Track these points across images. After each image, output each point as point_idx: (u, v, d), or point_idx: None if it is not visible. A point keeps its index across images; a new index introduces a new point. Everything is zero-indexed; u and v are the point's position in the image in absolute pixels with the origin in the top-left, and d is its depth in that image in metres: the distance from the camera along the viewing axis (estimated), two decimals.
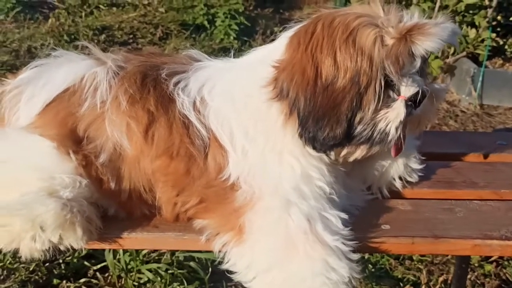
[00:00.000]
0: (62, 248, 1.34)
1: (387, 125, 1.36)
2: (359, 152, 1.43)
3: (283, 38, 1.46)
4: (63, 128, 1.44)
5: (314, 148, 1.38)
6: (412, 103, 1.38)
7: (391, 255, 2.71)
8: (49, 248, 1.32)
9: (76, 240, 1.33)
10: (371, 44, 1.31)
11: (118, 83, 1.47)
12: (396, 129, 1.36)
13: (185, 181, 1.42)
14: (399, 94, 1.36)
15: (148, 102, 1.44)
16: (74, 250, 1.36)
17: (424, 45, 1.31)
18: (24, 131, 1.45)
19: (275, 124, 1.40)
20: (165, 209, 1.46)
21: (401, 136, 1.39)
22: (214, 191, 1.40)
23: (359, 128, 1.36)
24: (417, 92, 1.36)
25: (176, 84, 1.47)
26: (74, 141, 1.44)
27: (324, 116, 1.33)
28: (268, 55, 1.45)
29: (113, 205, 1.48)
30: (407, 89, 1.36)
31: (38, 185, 1.37)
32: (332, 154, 1.43)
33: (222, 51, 1.55)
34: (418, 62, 1.36)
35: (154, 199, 1.46)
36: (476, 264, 2.72)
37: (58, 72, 1.54)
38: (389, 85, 1.35)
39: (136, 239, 1.44)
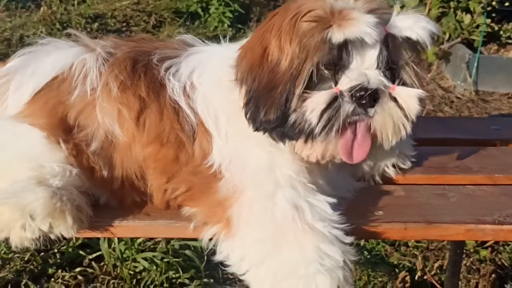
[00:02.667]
0: (52, 236, 1.33)
1: (310, 113, 1.27)
2: (317, 150, 1.33)
3: None
4: (53, 117, 1.43)
5: (256, 129, 1.34)
6: (361, 100, 1.26)
7: (386, 242, 2.72)
8: (40, 236, 1.31)
9: (66, 228, 1.33)
10: (306, 30, 1.26)
11: (108, 69, 1.46)
12: (319, 119, 1.26)
13: (174, 167, 1.41)
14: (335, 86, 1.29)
15: (139, 88, 1.43)
16: (66, 239, 1.35)
17: (342, 31, 1.21)
18: (13, 120, 1.44)
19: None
20: (156, 196, 1.45)
21: (323, 130, 1.27)
22: (199, 178, 1.39)
23: (293, 117, 1.29)
24: (362, 88, 1.25)
25: (167, 69, 1.45)
26: (64, 130, 1.43)
27: (263, 97, 1.31)
28: None
29: (104, 193, 1.47)
30: (346, 82, 1.27)
31: (27, 174, 1.36)
32: (287, 146, 1.36)
33: (216, 39, 1.54)
34: (361, 53, 1.27)
35: (146, 187, 1.46)
36: (472, 250, 2.73)
37: (47, 60, 1.52)
38: (326, 77, 1.29)
39: (127, 227, 1.43)
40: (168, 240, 2.58)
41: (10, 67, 1.56)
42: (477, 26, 4.41)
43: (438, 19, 4.49)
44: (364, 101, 1.26)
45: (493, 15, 4.66)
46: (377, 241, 2.70)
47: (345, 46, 1.26)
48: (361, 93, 1.26)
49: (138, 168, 1.43)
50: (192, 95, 1.42)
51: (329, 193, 1.42)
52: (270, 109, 1.30)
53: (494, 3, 4.51)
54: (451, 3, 4.40)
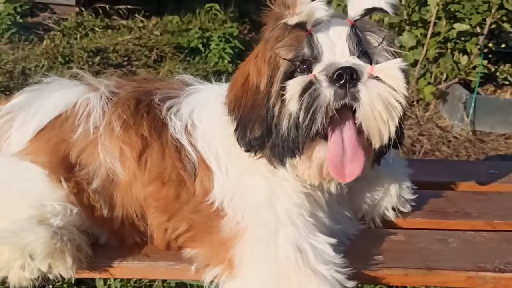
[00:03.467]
0: (51, 277, 1.32)
1: (288, 103, 1.25)
2: (314, 163, 1.32)
3: None
4: (55, 155, 1.43)
5: (247, 150, 1.36)
6: (340, 80, 1.23)
7: (386, 285, 2.69)
8: (38, 276, 1.30)
9: (65, 269, 1.32)
10: (270, 37, 1.31)
11: (111, 109, 1.47)
12: (299, 104, 1.23)
13: (175, 206, 1.42)
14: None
15: (142, 127, 1.44)
16: (63, 279, 1.34)
17: (295, 14, 1.24)
18: (15, 157, 1.44)
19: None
20: (156, 235, 1.45)
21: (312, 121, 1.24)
22: (200, 216, 1.39)
23: (279, 121, 1.29)
24: (337, 68, 1.23)
25: (168, 109, 1.48)
26: (66, 168, 1.43)
27: (247, 118, 1.35)
28: None
29: (105, 232, 1.47)
30: (319, 68, 1.26)
31: (28, 213, 1.36)
32: (287, 167, 1.35)
33: (216, 74, 1.56)
34: (322, 40, 1.29)
35: (146, 226, 1.45)
36: None
37: (50, 98, 1.53)
38: (295, 71, 1.30)
39: (127, 268, 1.42)
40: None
41: (14, 104, 1.57)
42: (474, 67, 4.46)
43: (435, 60, 4.55)
44: (342, 80, 1.23)
45: (490, 56, 4.72)
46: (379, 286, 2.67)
47: (312, 41, 1.28)
48: (337, 72, 1.23)
49: (138, 207, 1.43)
50: (193, 133, 1.44)
51: (330, 227, 1.43)
52: (254, 126, 1.33)
53: (490, 44, 4.58)
54: (449, 44, 4.46)
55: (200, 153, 1.43)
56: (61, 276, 1.32)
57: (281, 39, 1.30)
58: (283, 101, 1.27)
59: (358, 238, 1.53)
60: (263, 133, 1.32)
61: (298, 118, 1.25)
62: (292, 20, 1.25)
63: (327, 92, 1.24)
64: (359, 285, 1.30)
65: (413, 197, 1.65)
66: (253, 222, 1.35)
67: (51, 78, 1.63)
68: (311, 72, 1.27)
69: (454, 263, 1.44)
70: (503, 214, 1.70)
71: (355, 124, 1.28)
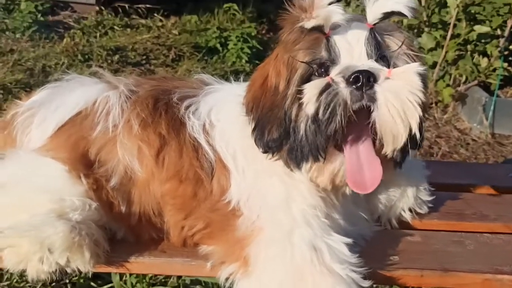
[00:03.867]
0: (69, 270, 1.34)
1: (306, 105, 1.25)
2: (329, 172, 1.33)
3: None
4: (75, 152, 1.45)
5: (265, 152, 1.37)
6: (357, 82, 1.23)
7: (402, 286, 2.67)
8: (56, 270, 1.32)
9: (83, 263, 1.33)
10: (291, 43, 1.32)
11: (130, 107, 1.49)
12: (316, 106, 1.24)
13: (192, 204, 1.43)
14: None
15: (160, 126, 1.46)
16: (81, 273, 1.36)
17: (312, 17, 1.25)
18: (36, 153, 1.46)
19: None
20: (173, 233, 1.46)
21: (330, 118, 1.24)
22: (217, 215, 1.40)
23: (297, 125, 1.29)
24: (354, 70, 1.23)
25: (187, 108, 1.49)
26: (86, 165, 1.45)
27: (266, 119, 1.35)
28: None
29: (122, 228, 1.48)
30: (336, 71, 1.27)
31: (48, 207, 1.38)
32: (304, 171, 1.34)
33: (234, 74, 1.56)
34: (340, 43, 1.29)
35: (163, 223, 1.47)
36: None
37: (71, 96, 1.55)
38: (311, 74, 1.30)
39: (143, 264, 1.43)
40: (179, 275, 2.56)
41: (34, 101, 1.60)
42: (494, 70, 4.41)
43: (455, 62, 4.51)
44: (359, 83, 1.23)
45: (510, 59, 4.67)
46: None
47: (330, 45, 1.29)
48: (354, 75, 1.23)
49: (155, 205, 1.45)
50: (211, 133, 1.45)
51: (346, 229, 1.43)
52: (272, 128, 1.33)
53: (511, 47, 4.53)
54: (468, 46, 4.42)
55: (217, 152, 1.44)
56: (78, 270, 1.34)
57: (298, 42, 1.31)
58: (300, 104, 1.28)
59: (374, 239, 1.53)
60: (281, 135, 1.33)
61: (316, 121, 1.25)
62: (309, 24, 1.25)
63: (344, 93, 1.23)
64: (374, 285, 1.30)
65: (430, 198, 1.65)
66: (268, 222, 1.35)
67: (71, 75, 1.66)
68: (328, 75, 1.27)
69: (471, 265, 1.43)
70: None
71: (371, 134, 1.28)
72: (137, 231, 1.48)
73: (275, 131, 1.33)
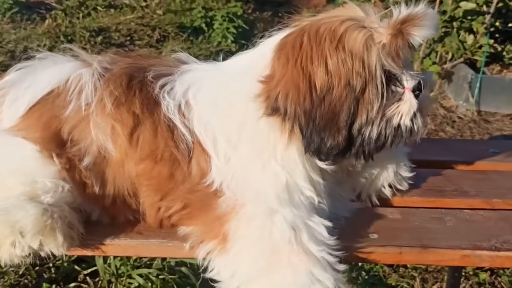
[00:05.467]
0: (43, 254, 1.31)
1: (401, 119, 1.36)
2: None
3: (266, 46, 1.44)
4: (47, 131, 1.42)
5: (321, 159, 1.37)
6: (418, 92, 1.38)
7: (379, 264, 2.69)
8: (30, 254, 1.29)
9: (56, 246, 1.31)
10: (361, 46, 1.30)
11: (103, 85, 1.45)
12: (411, 120, 1.37)
13: (169, 185, 1.40)
14: (403, 87, 1.36)
15: (134, 104, 1.42)
16: (56, 257, 1.34)
17: (420, 34, 1.31)
18: (6, 133, 1.43)
19: (264, 136, 1.38)
20: (149, 214, 1.44)
21: (419, 127, 1.40)
22: (197, 196, 1.38)
23: (373, 131, 1.35)
24: (419, 82, 1.37)
25: (162, 86, 1.45)
26: (58, 144, 1.41)
27: (325, 127, 1.32)
28: (252, 65, 1.43)
29: (96, 209, 1.46)
30: (410, 80, 1.37)
31: (19, 189, 1.35)
32: (344, 162, 1.46)
33: (220, 54, 1.54)
34: (412, 54, 1.39)
35: (138, 204, 1.44)
36: (471, 273, 2.69)
37: (43, 74, 1.51)
38: (390, 80, 1.35)
39: (119, 246, 1.41)
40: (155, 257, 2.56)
41: (6, 81, 1.55)
42: (480, 47, 4.40)
43: (441, 39, 4.49)
44: (420, 91, 1.38)
45: (497, 35, 4.66)
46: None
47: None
48: (420, 87, 1.38)
49: (130, 185, 1.42)
50: (188, 114, 1.41)
51: (328, 206, 1.43)
52: (337, 135, 1.32)
53: (497, 23, 4.52)
54: (454, 23, 4.40)
55: (196, 135, 1.40)
56: (52, 254, 1.32)
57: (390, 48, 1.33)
58: (384, 112, 1.35)
59: (353, 216, 1.52)
60: (345, 140, 1.33)
61: (400, 129, 1.37)
62: (417, 40, 1.33)
63: (415, 100, 1.37)
64: (348, 267, 1.30)
65: (410, 174, 1.63)
66: (252, 200, 1.34)
67: (44, 54, 1.61)
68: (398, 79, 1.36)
69: (450, 241, 1.42)
70: (502, 193, 1.68)
71: None
72: (112, 213, 1.45)
73: (339, 136, 1.33)
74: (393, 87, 1.36)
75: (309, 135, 1.33)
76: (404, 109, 1.36)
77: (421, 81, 1.38)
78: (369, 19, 1.33)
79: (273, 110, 1.35)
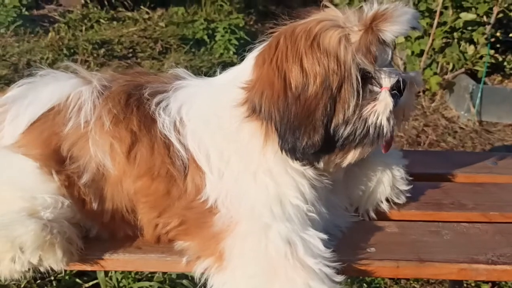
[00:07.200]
0: (42, 269, 1.33)
1: (377, 118, 1.33)
2: (351, 156, 1.39)
3: (250, 59, 1.45)
4: (47, 148, 1.44)
5: (297, 159, 1.35)
6: (397, 92, 1.35)
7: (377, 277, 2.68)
8: (29, 269, 1.31)
9: (56, 261, 1.32)
10: (336, 44, 1.30)
11: (102, 103, 1.47)
12: (388, 120, 1.34)
13: (166, 202, 1.41)
14: (380, 86, 1.35)
15: (132, 122, 1.44)
16: (55, 272, 1.35)
17: (391, 30, 1.30)
18: (7, 150, 1.45)
19: (247, 145, 1.39)
20: (146, 231, 1.45)
21: (392, 128, 1.37)
22: (193, 213, 1.39)
23: (347, 130, 1.33)
24: (398, 81, 1.35)
25: (158, 104, 1.46)
26: (57, 161, 1.43)
27: (300, 125, 1.31)
28: (237, 76, 1.44)
29: (95, 225, 1.47)
30: (387, 79, 1.34)
31: (19, 205, 1.36)
32: (321, 164, 1.40)
33: (222, 66, 1.55)
34: (389, 51, 1.36)
35: (137, 220, 1.45)
36: (473, 284, 2.69)
37: (44, 91, 1.53)
38: (367, 80, 1.34)
39: (118, 261, 1.42)
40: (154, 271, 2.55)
41: (8, 97, 1.57)
42: (481, 57, 4.41)
43: (442, 50, 4.51)
44: (399, 93, 1.36)
45: (497, 46, 4.67)
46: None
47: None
48: (400, 87, 1.35)
49: (128, 202, 1.43)
50: (182, 131, 1.43)
51: (324, 219, 1.43)
52: (313, 133, 1.31)
53: (498, 34, 4.53)
54: (455, 34, 4.42)
55: (190, 152, 1.41)
56: (51, 268, 1.33)
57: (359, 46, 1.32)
58: (360, 109, 1.33)
59: (350, 230, 1.52)
60: (321, 139, 1.32)
61: (379, 127, 1.35)
62: (388, 36, 1.32)
63: (392, 99, 1.34)
64: (349, 280, 1.30)
65: (407, 188, 1.64)
66: (247, 216, 1.34)
67: (45, 71, 1.63)
68: (374, 77, 1.35)
69: (447, 255, 1.43)
70: (499, 206, 1.68)
71: None
72: (111, 229, 1.46)
73: (315, 135, 1.31)
74: (370, 86, 1.34)
75: (283, 133, 1.33)
76: (380, 108, 1.33)
77: (402, 80, 1.35)
78: (345, 18, 1.33)
79: (251, 111, 1.36)
